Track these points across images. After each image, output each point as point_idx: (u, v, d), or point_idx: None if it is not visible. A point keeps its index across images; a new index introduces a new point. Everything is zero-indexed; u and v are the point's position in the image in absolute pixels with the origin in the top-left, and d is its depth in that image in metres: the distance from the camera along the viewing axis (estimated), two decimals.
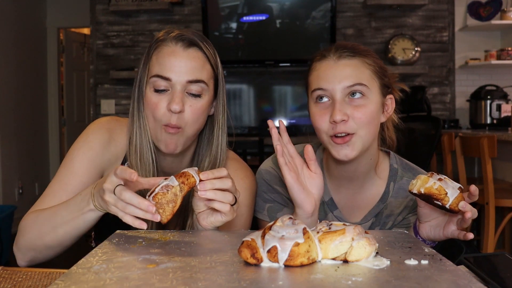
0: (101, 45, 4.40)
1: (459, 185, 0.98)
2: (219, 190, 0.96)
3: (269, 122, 1.09)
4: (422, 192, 0.98)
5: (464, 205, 0.96)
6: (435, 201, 0.98)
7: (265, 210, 1.29)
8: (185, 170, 0.97)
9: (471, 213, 0.96)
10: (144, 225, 0.92)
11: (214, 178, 0.96)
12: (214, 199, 0.96)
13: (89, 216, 1.03)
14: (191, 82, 1.12)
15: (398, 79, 1.28)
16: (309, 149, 1.10)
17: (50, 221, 1.07)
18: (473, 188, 0.99)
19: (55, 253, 1.12)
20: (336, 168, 1.24)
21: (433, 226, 1.06)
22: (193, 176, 0.95)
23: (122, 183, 0.94)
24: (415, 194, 1.02)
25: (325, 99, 1.15)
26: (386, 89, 1.20)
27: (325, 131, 1.15)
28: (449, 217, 1.04)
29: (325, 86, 1.15)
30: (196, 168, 0.98)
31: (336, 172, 1.26)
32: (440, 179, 0.98)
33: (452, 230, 1.03)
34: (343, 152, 1.14)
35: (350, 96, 1.14)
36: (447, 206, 0.97)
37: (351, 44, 1.20)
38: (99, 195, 0.98)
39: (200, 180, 0.95)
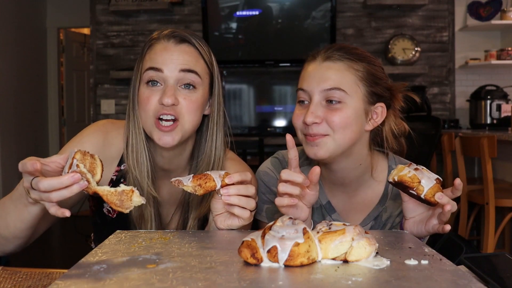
0: (101, 45, 4.39)
1: (436, 176, 0.97)
2: (243, 196, 0.96)
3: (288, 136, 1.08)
4: (396, 180, 0.98)
5: (440, 196, 0.95)
6: (410, 191, 0.97)
7: (263, 211, 1.29)
8: (208, 172, 0.96)
9: (450, 205, 0.95)
10: (67, 213, 0.87)
11: (239, 182, 0.96)
12: (238, 205, 0.96)
13: (32, 209, 0.99)
14: (183, 70, 1.12)
15: (406, 88, 1.24)
16: (316, 170, 1.02)
17: (1, 213, 1.04)
18: (458, 181, 0.97)
19: (14, 246, 1.09)
20: (326, 172, 1.24)
21: (416, 222, 1.05)
22: (213, 180, 0.95)
23: (34, 176, 0.87)
24: (391, 183, 1.01)
25: (305, 101, 1.18)
26: (375, 97, 1.18)
27: (300, 129, 1.18)
28: (432, 212, 1.03)
29: (304, 87, 1.17)
30: (222, 172, 0.97)
31: (326, 176, 1.26)
32: (416, 169, 0.98)
33: (433, 224, 1.02)
34: (312, 150, 1.15)
35: (327, 101, 1.14)
36: (422, 196, 0.96)
37: (349, 47, 1.18)
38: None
39: (226, 185, 0.95)
